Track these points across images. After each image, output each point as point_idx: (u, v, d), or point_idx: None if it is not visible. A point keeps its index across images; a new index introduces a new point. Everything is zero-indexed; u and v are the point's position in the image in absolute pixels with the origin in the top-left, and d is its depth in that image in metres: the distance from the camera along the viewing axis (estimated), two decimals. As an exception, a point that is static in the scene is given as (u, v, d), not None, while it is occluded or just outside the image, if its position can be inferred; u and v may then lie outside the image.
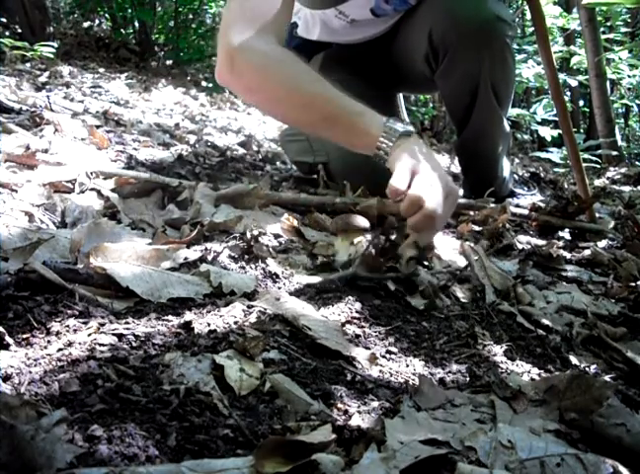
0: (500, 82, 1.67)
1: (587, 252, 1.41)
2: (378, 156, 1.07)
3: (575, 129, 1.79)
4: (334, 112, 1.13)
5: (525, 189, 2.07)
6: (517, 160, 4.33)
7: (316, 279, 0.95)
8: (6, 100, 1.98)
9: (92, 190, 1.29)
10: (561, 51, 4.68)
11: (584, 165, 1.74)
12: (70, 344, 0.62)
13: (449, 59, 1.63)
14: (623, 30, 5.89)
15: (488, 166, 1.79)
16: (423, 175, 0.97)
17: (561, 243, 1.50)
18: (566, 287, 1.16)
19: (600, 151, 4.03)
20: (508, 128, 1.79)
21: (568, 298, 1.08)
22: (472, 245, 1.12)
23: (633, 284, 1.20)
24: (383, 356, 0.74)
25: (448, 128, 5.74)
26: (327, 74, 1.85)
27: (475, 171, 1.85)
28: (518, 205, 1.71)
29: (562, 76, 4.32)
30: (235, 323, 0.73)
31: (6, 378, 0.55)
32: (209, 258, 0.94)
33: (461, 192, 1.92)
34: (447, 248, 1.25)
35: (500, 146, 1.78)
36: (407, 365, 0.73)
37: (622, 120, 8.32)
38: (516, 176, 2.28)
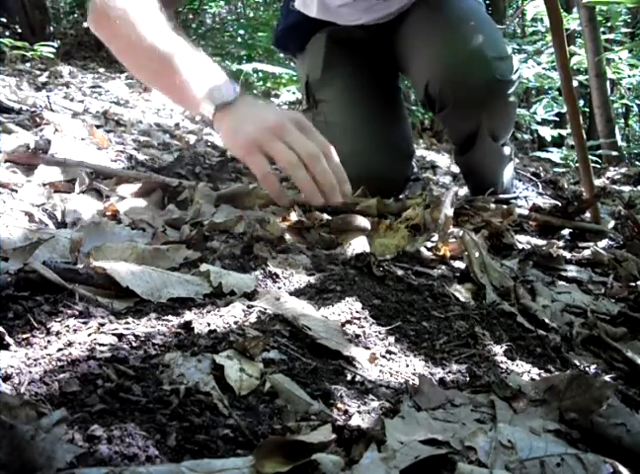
0: (500, 130, 1.67)
1: (587, 252, 1.41)
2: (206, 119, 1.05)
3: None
4: (166, 63, 1.07)
5: (530, 189, 2.07)
6: (517, 160, 4.33)
7: (316, 279, 0.95)
8: (6, 100, 1.98)
9: (92, 190, 1.29)
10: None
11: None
12: (70, 344, 0.62)
13: (447, 113, 1.61)
14: (623, 30, 5.89)
15: (488, 181, 1.79)
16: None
17: (561, 243, 1.50)
18: (566, 287, 1.16)
19: (600, 151, 4.03)
20: (508, 152, 1.78)
21: (568, 298, 1.08)
22: (474, 236, 1.11)
23: (633, 284, 1.20)
24: (383, 356, 0.74)
25: (448, 128, 5.73)
26: (330, 55, 1.78)
27: (475, 182, 1.85)
28: (517, 205, 1.71)
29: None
30: (235, 323, 0.73)
31: (6, 378, 0.55)
32: (209, 258, 0.94)
33: (462, 191, 1.92)
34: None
35: (499, 169, 1.79)
36: (407, 365, 0.73)
37: (622, 120, 8.32)
38: (518, 176, 2.28)
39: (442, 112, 1.62)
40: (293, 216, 1.24)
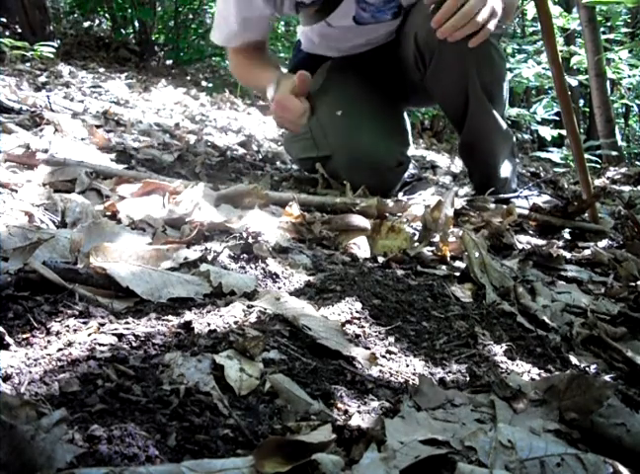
0: (489, 82, 1.67)
1: (587, 252, 1.41)
2: None
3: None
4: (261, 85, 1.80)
5: (534, 189, 2.06)
6: (517, 160, 4.34)
7: (316, 279, 0.95)
8: (6, 100, 1.98)
9: (92, 190, 1.29)
10: (561, 51, 4.68)
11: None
12: (70, 344, 0.62)
13: (435, 63, 1.65)
14: (623, 30, 5.89)
15: (488, 166, 1.80)
16: None
17: (561, 243, 1.50)
18: (566, 287, 1.16)
19: (600, 151, 4.04)
20: (505, 127, 1.78)
21: (568, 298, 1.08)
22: (474, 236, 1.11)
23: (633, 284, 1.20)
24: (383, 356, 0.74)
25: (448, 128, 5.75)
26: (333, 80, 1.91)
27: (477, 172, 1.86)
28: (518, 206, 1.71)
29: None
30: (235, 323, 0.73)
31: (6, 378, 0.55)
32: (209, 258, 0.94)
33: (462, 191, 1.92)
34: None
35: (499, 146, 1.78)
36: (407, 365, 0.73)
37: (622, 120, 8.32)
38: (520, 177, 2.28)
39: (432, 63, 1.65)
40: (295, 210, 1.24)
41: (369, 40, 1.87)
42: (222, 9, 1.76)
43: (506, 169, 1.81)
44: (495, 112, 1.71)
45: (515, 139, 1.87)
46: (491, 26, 1.41)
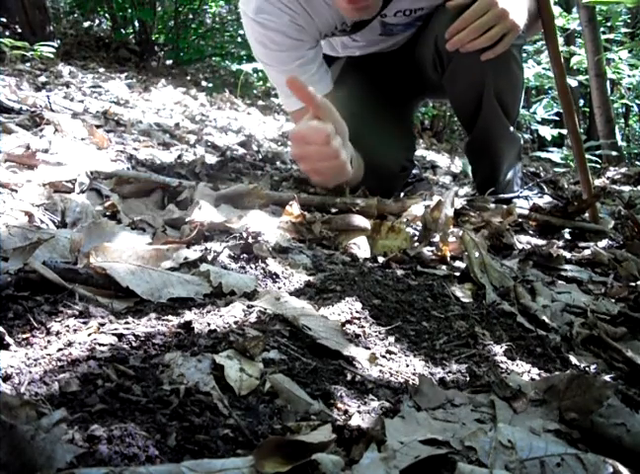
0: (505, 91, 1.67)
1: (587, 252, 1.41)
2: None
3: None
4: None
5: (534, 189, 2.06)
6: (521, 163, 4.34)
7: (316, 279, 0.95)
8: (6, 100, 1.98)
9: (92, 190, 1.29)
10: (561, 51, 4.68)
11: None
12: (70, 344, 0.62)
13: (453, 67, 1.64)
14: (623, 30, 5.89)
15: (492, 168, 1.80)
16: None
17: (561, 243, 1.50)
18: (566, 287, 1.16)
19: (600, 151, 4.03)
20: (514, 131, 1.78)
21: (568, 298, 1.08)
22: (474, 236, 1.11)
23: (633, 284, 1.19)
24: (383, 356, 0.74)
25: (448, 128, 5.75)
26: (346, 78, 1.89)
27: (480, 171, 1.86)
28: (518, 206, 1.71)
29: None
30: (235, 323, 0.73)
31: (6, 378, 0.55)
32: (209, 258, 0.94)
33: (462, 191, 1.92)
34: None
35: (505, 150, 1.78)
36: (407, 365, 0.73)
37: (622, 120, 8.31)
38: (523, 178, 2.28)
39: (450, 67, 1.65)
40: (295, 210, 1.24)
41: (396, 44, 1.88)
42: (275, 79, 1.69)
43: (510, 172, 1.81)
44: (506, 119, 1.71)
45: (522, 142, 1.86)
46: (507, 41, 1.43)
